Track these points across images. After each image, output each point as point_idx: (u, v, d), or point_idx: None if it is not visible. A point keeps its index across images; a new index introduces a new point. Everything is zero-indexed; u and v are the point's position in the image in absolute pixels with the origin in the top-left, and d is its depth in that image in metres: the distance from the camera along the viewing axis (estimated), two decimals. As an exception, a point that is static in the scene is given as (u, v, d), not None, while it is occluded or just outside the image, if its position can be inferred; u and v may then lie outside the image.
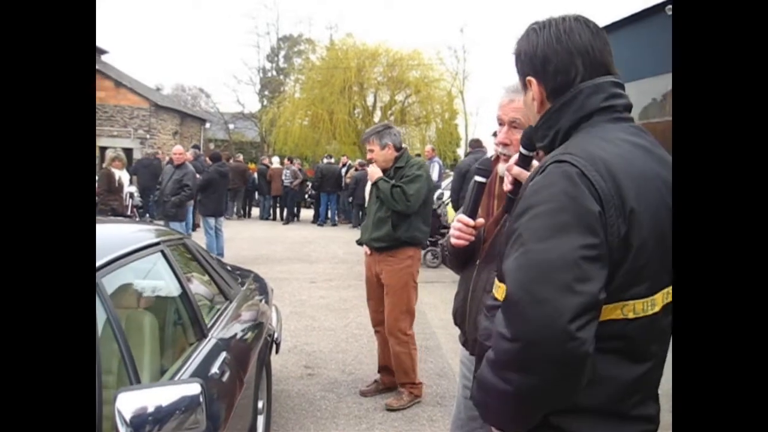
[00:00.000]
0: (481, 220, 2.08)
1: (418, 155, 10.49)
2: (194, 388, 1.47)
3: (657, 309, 1.23)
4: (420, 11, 53.68)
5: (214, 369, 2.18)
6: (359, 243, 4.52)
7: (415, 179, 4.05)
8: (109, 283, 1.77)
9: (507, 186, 1.71)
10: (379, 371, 4.53)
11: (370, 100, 28.28)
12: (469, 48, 39.00)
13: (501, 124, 2.11)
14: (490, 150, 6.02)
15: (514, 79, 2.22)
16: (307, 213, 18.46)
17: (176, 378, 1.95)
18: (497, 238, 2.09)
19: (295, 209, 17.79)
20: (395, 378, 4.31)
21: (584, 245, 1.12)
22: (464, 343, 2.27)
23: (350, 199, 16.07)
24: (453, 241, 2.09)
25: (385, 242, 4.15)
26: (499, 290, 1.38)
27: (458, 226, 2.06)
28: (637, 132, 1.32)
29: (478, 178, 2.08)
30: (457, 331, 5.95)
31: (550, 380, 1.11)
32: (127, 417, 1.40)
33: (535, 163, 1.68)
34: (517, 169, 1.66)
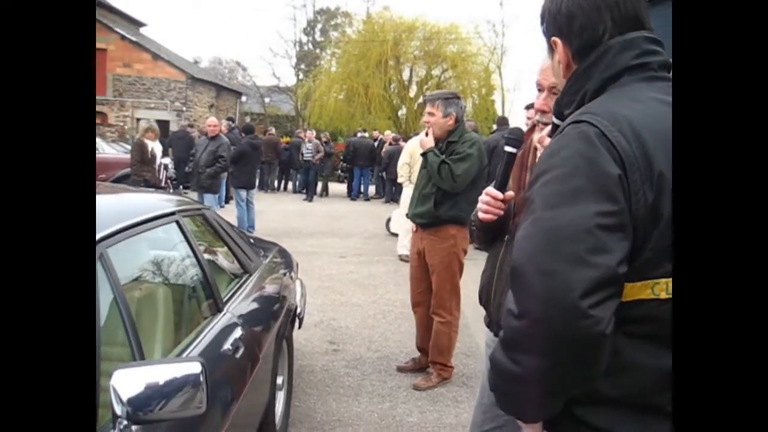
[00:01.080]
0: (510, 193, 1.95)
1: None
2: (194, 367, 1.39)
3: None
4: (459, -16, 52.64)
5: (227, 345, 2.10)
6: (407, 216, 4.40)
7: (466, 158, 3.84)
8: (115, 253, 1.69)
9: None
10: (419, 350, 4.43)
11: (405, 74, 27.94)
12: (509, 22, 38.15)
13: (540, 89, 1.96)
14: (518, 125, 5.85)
15: None
16: (336, 188, 18.35)
17: (186, 354, 1.88)
18: (527, 211, 1.97)
19: (320, 185, 16.97)
20: (428, 356, 4.21)
21: (600, 212, 1.00)
22: (488, 325, 2.16)
23: (383, 174, 15.85)
24: (481, 215, 1.97)
25: (426, 219, 4.01)
26: None
27: (486, 199, 1.94)
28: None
29: (508, 149, 1.94)
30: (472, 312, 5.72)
31: (561, 362, 1.00)
32: (123, 395, 1.32)
33: None
34: (549, 141, 1.52)
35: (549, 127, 1.53)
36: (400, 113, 27.28)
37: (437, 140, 4.02)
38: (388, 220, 10.81)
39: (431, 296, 4.13)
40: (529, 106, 5.80)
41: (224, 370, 2.05)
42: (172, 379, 1.37)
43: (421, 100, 25.70)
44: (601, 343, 0.98)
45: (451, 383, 4.19)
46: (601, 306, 0.97)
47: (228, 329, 2.21)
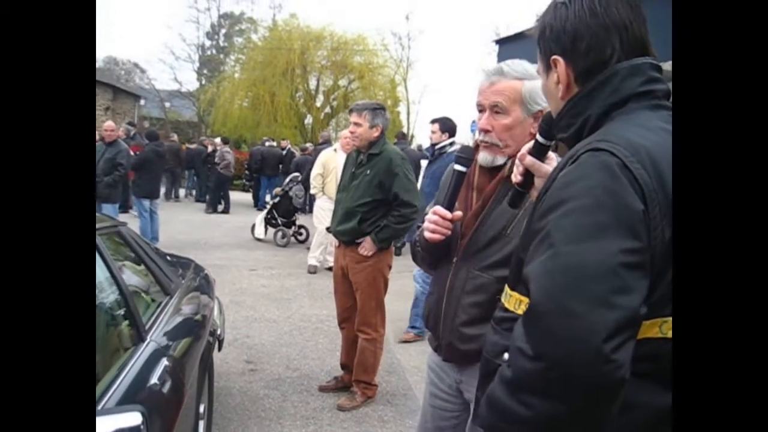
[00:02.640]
0: (459, 213, 1.90)
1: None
2: (134, 418, 1.21)
3: None
4: (365, -4, 53.15)
5: (154, 379, 1.91)
6: (328, 230, 4.26)
7: (407, 181, 3.82)
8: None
9: (517, 177, 1.50)
10: (342, 368, 4.29)
11: (312, 83, 27.74)
12: (414, 36, 38.64)
13: (481, 110, 1.92)
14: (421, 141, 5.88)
15: (486, 65, 2.05)
16: (240, 197, 17.76)
17: (111, 390, 1.67)
18: (477, 233, 1.91)
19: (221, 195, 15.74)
20: (353, 374, 4.09)
21: (624, 249, 0.95)
22: (436, 348, 2.08)
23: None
24: (428, 235, 1.90)
25: (350, 236, 3.90)
26: (511, 299, 1.23)
27: (434, 219, 1.87)
28: None
29: (458, 167, 1.89)
30: (404, 324, 5.82)
31: (578, 408, 0.94)
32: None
33: (551, 154, 1.49)
34: (530, 159, 1.45)
35: (529, 144, 1.47)
36: (306, 122, 27.03)
37: (359, 150, 3.94)
38: (253, 227, 10.93)
39: (355, 313, 4.02)
40: (434, 121, 5.84)
41: (154, 408, 1.85)
42: None
43: (341, 110, 25.62)
44: (621, 388, 0.93)
45: (376, 402, 4.10)
46: (622, 349, 0.92)
47: (153, 361, 2.01)
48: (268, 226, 10.71)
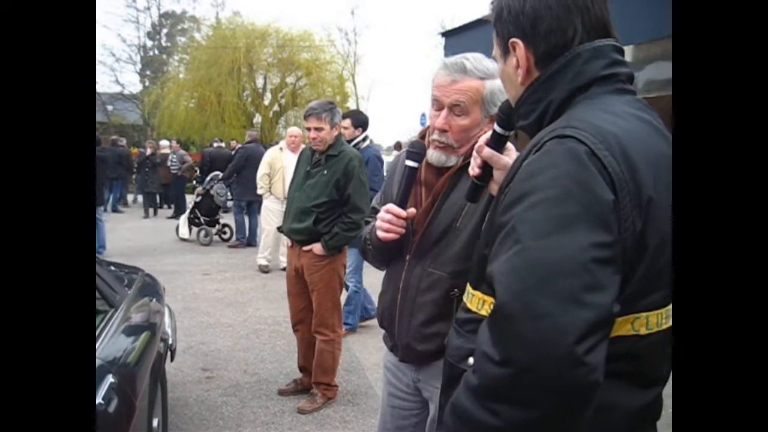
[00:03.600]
0: (412, 210, 1.84)
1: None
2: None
3: (670, 322, 1.03)
4: (309, -9, 52.73)
5: (99, 399, 1.81)
6: (280, 230, 4.15)
7: (361, 185, 3.78)
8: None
9: (474, 170, 1.43)
10: (300, 371, 4.22)
11: (259, 82, 27.35)
12: (360, 31, 38.60)
13: (439, 107, 1.83)
14: (373, 137, 5.87)
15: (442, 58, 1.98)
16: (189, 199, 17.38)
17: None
18: (428, 229, 1.87)
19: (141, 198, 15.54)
20: (312, 376, 4.02)
21: (595, 243, 0.89)
22: (392, 348, 2.03)
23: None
24: (381, 234, 1.84)
25: (305, 236, 3.81)
26: (474, 299, 1.15)
27: (388, 217, 1.81)
28: (642, 107, 1.11)
29: (410, 163, 1.83)
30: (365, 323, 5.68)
31: (550, 415, 0.87)
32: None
33: (510, 145, 1.43)
34: (488, 151, 1.38)
35: (487, 135, 1.41)
36: (255, 121, 26.66)
37: (314, 150, 3.87)
38: (177, 227, 11.01)
39: (312, 314, 3.95)
40: (345, 116, 5.53)
41: (101, 428, 1.75)
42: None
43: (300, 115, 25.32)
44: (595, 392, 0.88)
45: (337, 403, 4.04)
46: (594, 351, 0.86)
47: (97, 379, 1.90)
48: (192, 226, 10.78)
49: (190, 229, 10.79)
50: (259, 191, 8.25)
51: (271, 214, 8.12)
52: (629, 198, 0.94)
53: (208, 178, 11.16)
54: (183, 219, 10.99)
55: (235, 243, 10.46)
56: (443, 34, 17.99)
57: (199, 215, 10.65)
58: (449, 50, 15.64)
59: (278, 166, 7.94)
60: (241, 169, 9.95)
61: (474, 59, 1.81)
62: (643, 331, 0.99)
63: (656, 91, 9.93)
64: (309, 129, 3.79)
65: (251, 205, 10.09)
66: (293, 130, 8.44)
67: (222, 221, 10.91)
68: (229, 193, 11.16)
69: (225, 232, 10.91)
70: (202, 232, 10.57)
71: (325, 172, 3.77)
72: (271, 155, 8.13)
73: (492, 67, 1.79)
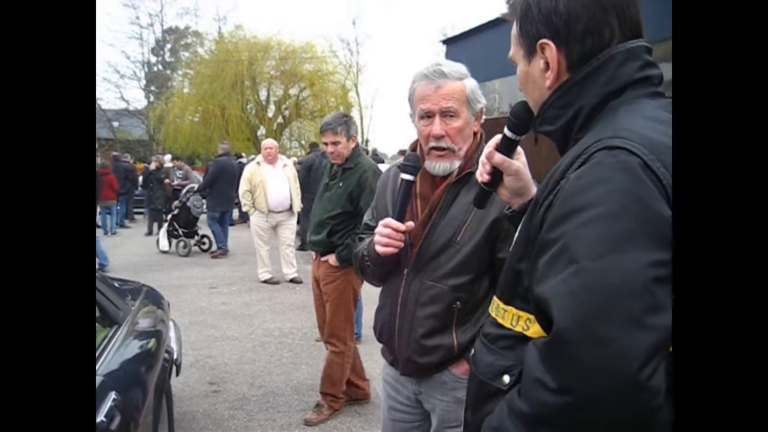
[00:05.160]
0: (411, 224, 1.83)
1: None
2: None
3: None
4: (311, 3, 53.10)
5: (101, 416, 1.81)
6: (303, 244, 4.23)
7: (372, 196, 3.79)
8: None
9: (483, 177, 1.40)
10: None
11: (263, 94, 27.47)
12: (362, 41, 38.79)
13: (428, 116, 1.84)
14: (377, 145, 5.77)
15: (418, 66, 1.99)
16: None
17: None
18: (426, 242, 1.87)
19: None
20: (320, 386, 4.02)
21: (654, 262, 0.84)
22: (392, 363, 2.02)
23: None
24: (381, 249, 1.82)
25: (321, 247, 3.87)
26: (507, 315, 1.10)
27: (387, 232, 1.80)
28: None
29: (405, 176, 1.82)
30: (365, 332, 5.67)
31: None
32: None
33: (519, 149, 1.40)
34: (499, 157, 1.35)
35: (495, 139, 1.38)
36: (258, 134, 26.76)
37: (333, 165, 3.89)
38: (158, 241, 11.20)
39: None
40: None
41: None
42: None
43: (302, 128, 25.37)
44: (657, 416, 0.83)
45: (343, 414, 4.04)
46: (656, 375, 0.82)
47: (99, 397, 1.91)
48: (171, 238, 10.95)
49: (170, 242, 10.95)
50: (244, 208, 8.33)
51: (259, 230, 8.15)
52: None
53: (184, 191, 11.42)
54: (162, 232, 11.21)
55: (217, 252, 10.59)
56: (444, 42, 18.05)
57: (177, 227, 10.85)
58: (451, 57, 15.64)
59: (257, 180, 7.94)
60: (214, 182, 10.28)
61: (447, 64, 1.85)
62: None
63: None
64: (326, 144, 3.83)
65: (224, 215, 10.62)
66: (267, 142, 8.49)
67: (201, 232, 11.10)
68: (204, 206, 11.25)
69: (204, 243, 11.08)
70: (181, 244, 10.76)
71: (341, 184, 3.79)
72: (249, 171, 8.13)
73: (463, 68, 1.84)
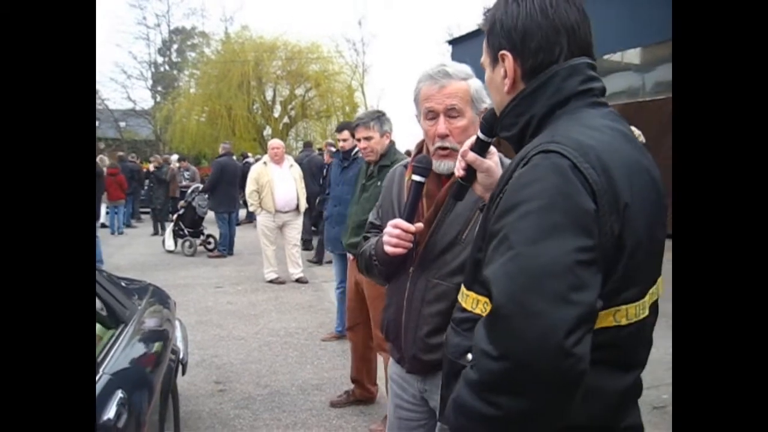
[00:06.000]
0: (420, 225, 1.84)
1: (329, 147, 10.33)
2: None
3: (647, 312, 1.14)
4: (317, 3, 53.13)
5: (108, 415, 1.82)
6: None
7: None
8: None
9: (459, 172, 1.52)
10: (353, 382, 4.19)
11: (269, 94, 27.59)
12: (368, 41, 38.75)
13: (432, 116, 1.86)
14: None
15: (425, 66, 2.02)
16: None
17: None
18: (432, 240, 1.87)
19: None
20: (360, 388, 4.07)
21: (578, 248, 0.99)
22: (399, 360, 2.03)
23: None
24: (390, 249, 1.83)
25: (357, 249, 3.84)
26: (468, 299, 1.25)
27: (396, 232, 1.81)
28: (615, 118, 1.20)
29: (417, 178, 1.83)
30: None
31: (544, 403, 0.98)
32: None
33: (492, 149, 1.51)
34: (472, 156, 1.48)
35: (471, 140, 1.49)
36: (265, 134, 26.83)
37: (369, 162, 3.85)
38: (163, 241, 11.32)
39: (366, 327, 3.88)
40: (340, 128, 5.53)
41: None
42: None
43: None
44: (582, 379, 0.97)
45: (349, 413, 4.04)
46: (581, 343, 0.96)
47: (106, 395, 1.92)
48: (177, 238, 11.02)
49: (176, 241, 11.01)
50: (251, 208, 8.32)
51: (266, 229, 8.16)
52: (608, 205, 1.04)
53: (189, 191, 11.49)
54: (168, 232, 11.30)
55: (215, 254, 10.62)
56: (450, 42, 18.05)
57: (183, 227, 10.91)
58: (456, 58, 15.65)
59: (265, 181, 7.96)
60: (217, 183, 10.32)
61: (451, 64, 1.89)
62: (623, 321, 1.10)
63: (664, 93, 9.86)
64: (359, 140, 3.81)
65: (230, 216, 10.61)
66: (274, 142, 8.51)
67: (206, 232, 11.14)
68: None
69: (209, 242, 11.09)
70: (187, 243, 10.82)
71: (379, 183, 3.71)
72: (256, 171, 8.15)
73: (468, 69, 1.89)
